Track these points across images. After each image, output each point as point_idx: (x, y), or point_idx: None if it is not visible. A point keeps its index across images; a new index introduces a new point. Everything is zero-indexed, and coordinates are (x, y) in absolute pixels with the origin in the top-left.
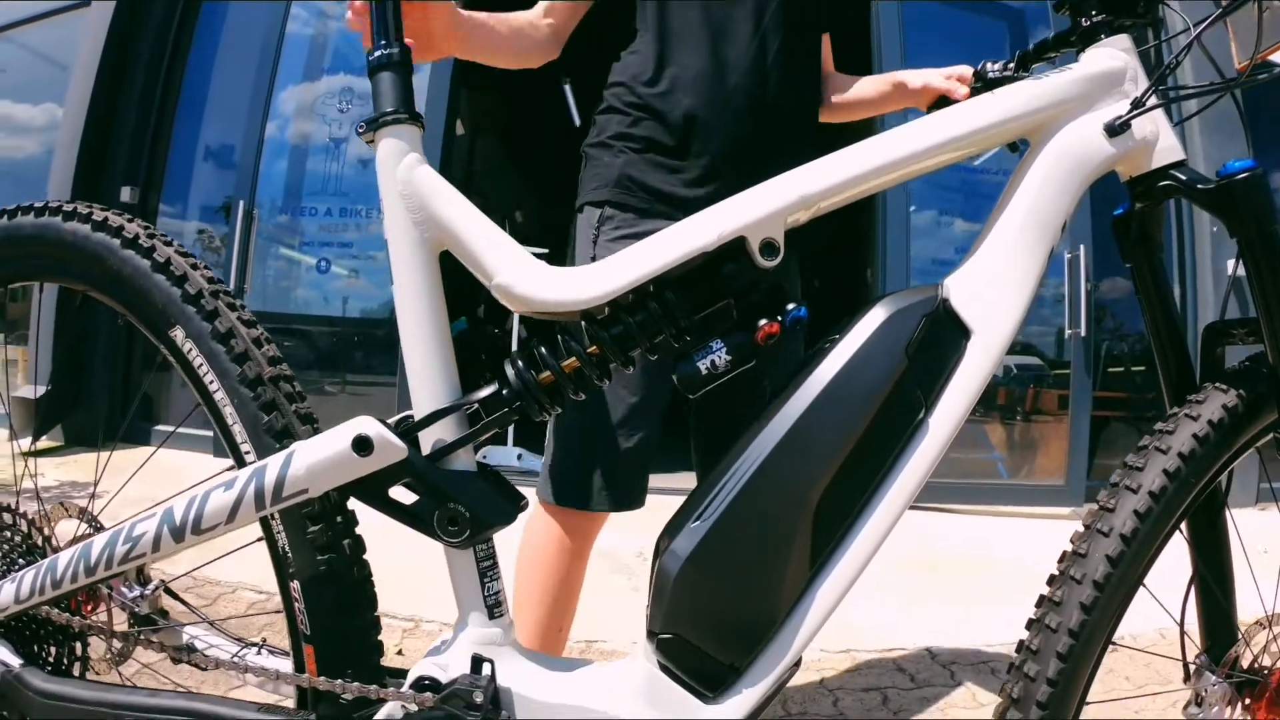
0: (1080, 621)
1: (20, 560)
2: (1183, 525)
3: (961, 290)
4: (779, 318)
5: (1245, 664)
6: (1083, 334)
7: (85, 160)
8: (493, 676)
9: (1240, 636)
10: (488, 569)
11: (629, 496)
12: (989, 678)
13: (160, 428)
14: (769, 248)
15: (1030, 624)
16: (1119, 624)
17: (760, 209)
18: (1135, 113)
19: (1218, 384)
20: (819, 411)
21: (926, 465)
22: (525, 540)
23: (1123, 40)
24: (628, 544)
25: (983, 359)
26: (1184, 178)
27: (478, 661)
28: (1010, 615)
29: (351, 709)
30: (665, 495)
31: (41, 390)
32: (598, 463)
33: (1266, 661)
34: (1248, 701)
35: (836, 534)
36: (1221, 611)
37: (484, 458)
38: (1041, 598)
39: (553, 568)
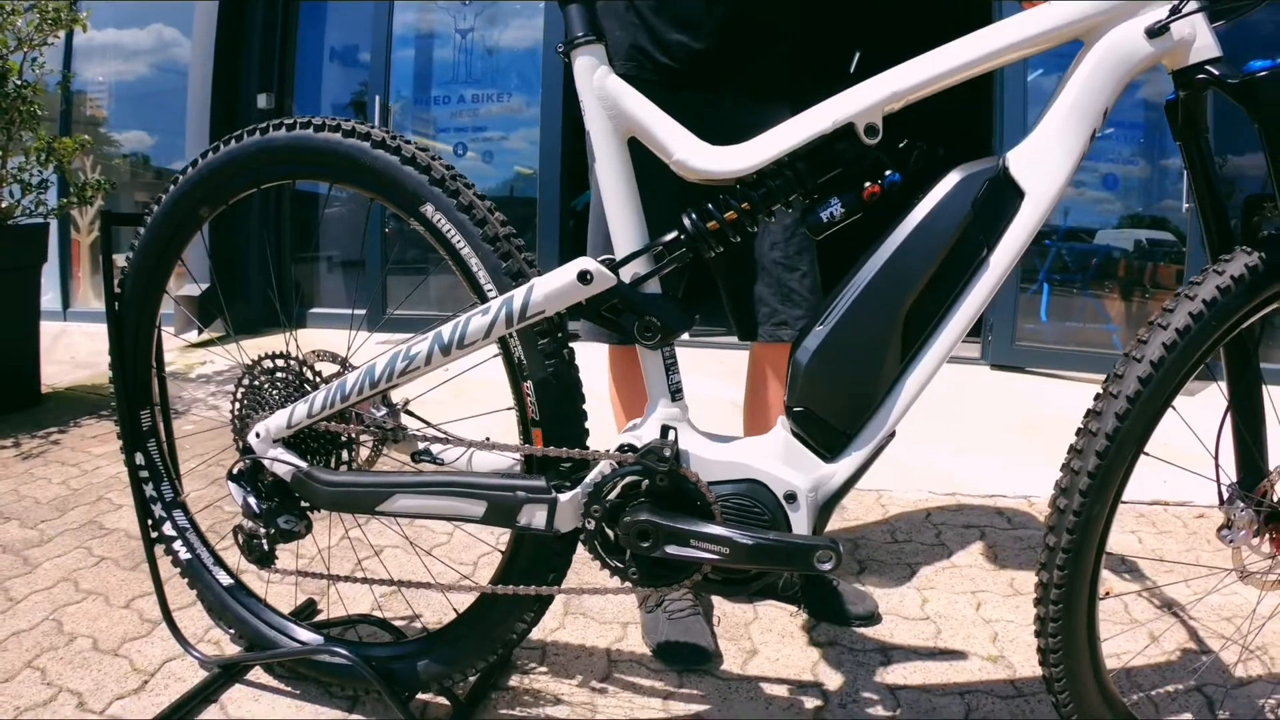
0: (1114, 428)
1: (293, 394)
2: (1221, 365)
3: (1018, 160)
4: (879, 181)
5: (1275, 499)
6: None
7: (220, 72)
8: (676, 440)
9: (1269, 472)
10: (671, 365)
11: None
12: None
13: (315, 310)
14: (871, 129)
15: (1078, 432)
16: (1148, 438)
17: (863, 102)
18: (1173, 18)
19: (1245, 247)
20: (908, 247)
21: (986, 292)
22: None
23: None
24: None
25: (1032, 213)
26: (1217, 72)
27: (665, 430)
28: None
29: (570, 471)
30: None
31: (204, 287)
32: None
33: None
34: (1275, 535)
35: (920, 337)
36: (1253, 447)
37: None
38: (1088, 411)
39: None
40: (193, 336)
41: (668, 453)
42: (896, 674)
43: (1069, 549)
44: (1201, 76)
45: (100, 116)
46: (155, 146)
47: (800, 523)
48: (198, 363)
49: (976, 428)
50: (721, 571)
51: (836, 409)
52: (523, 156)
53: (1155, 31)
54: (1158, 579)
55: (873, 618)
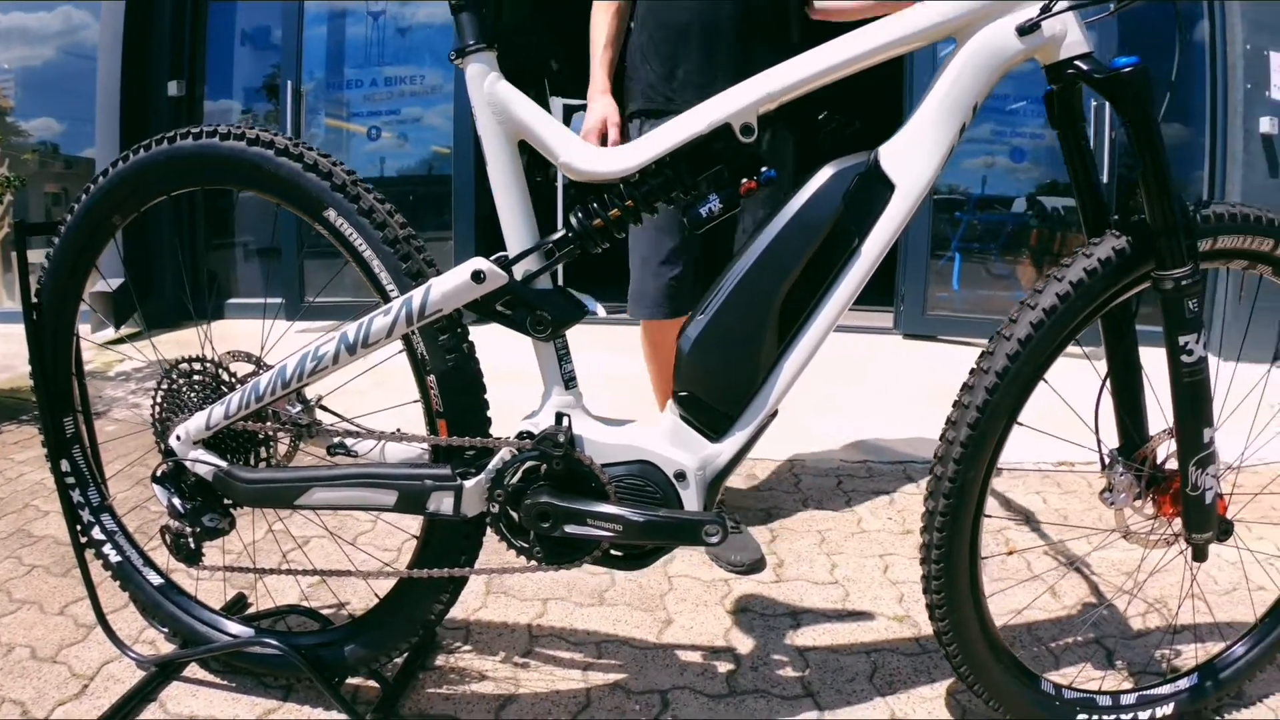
0: (984, 401)
1: (211, 395)
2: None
3: (889, 154)
4: (755, 177)
5: (1154, 463)
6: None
7: (129, 57)
8: (570, 426)
9: (1149, 438)
10: (564, 355)
11: (682, 307)
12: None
13: (233, 301)
14: (746, 129)
15: (954, 404)
16: (1021, 409)
17: (737, 103)
18: (1043, 16)
19: (1114, 230)
20: (781, 241)
21: (859, 280)
22: (643, 344)
23: None
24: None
25: (902, 204)
26: (1086, 67)
27: (559, 417)
28: (1020, 439)
29: (474, 459)
30: None
31: (117, 283)
32: (658, 287)
33: (1173, 466)
34: (1155, 497)
35: (795, 325)
36: (1132, 416)
37: None
38: (963, 385)
39: (654, 360)
40: (109, 334)
41: (562, 439)
42: (806, 636)
43: (946, 513)
44: (1071, 71)
45: (6, 106)
46: (64, 134)
47: (691, 499)
48: (115, 361)
49: (887, 396)
50: (621, 547)
51: (719, 393)
52: (440, 134)
53: (1026, 29)
54: (1061, 536)
55: (757, 565)
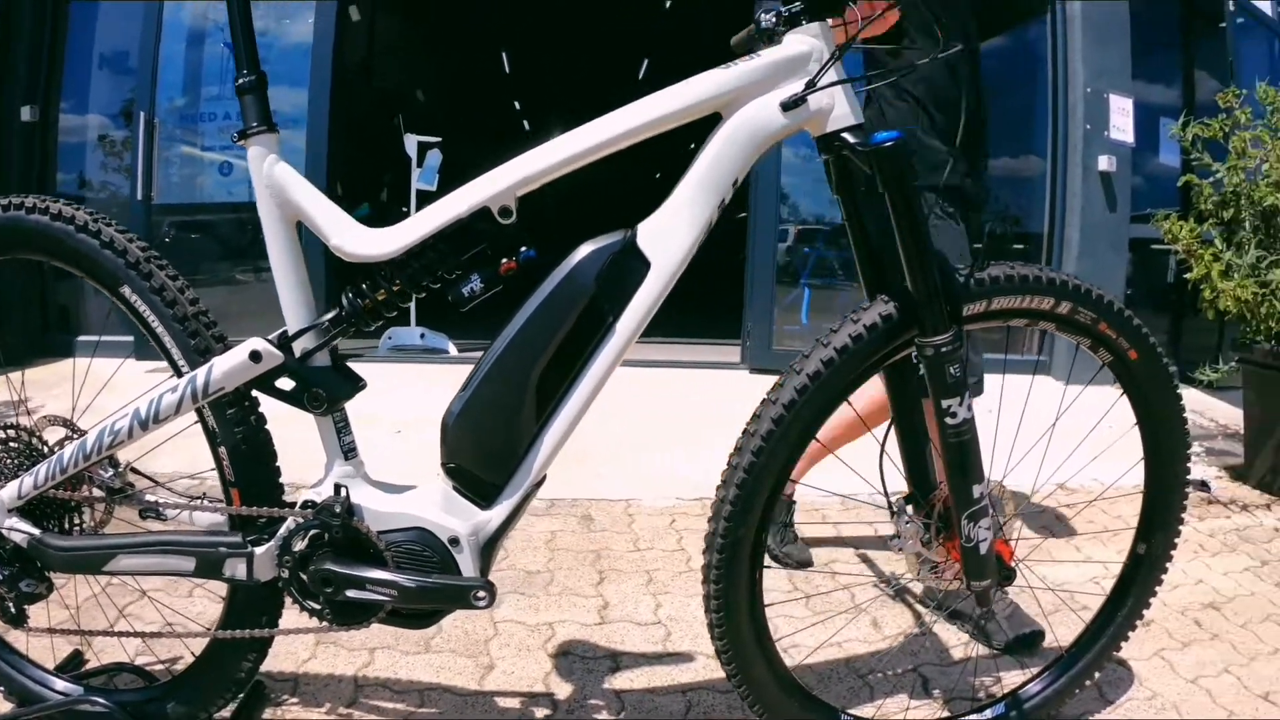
0: (750, 463)
1: (26, 463)
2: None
3: (647, 233)
4: (515, 257)
5: (942, 510)
6: None
7: None
8: (348, 497)
9: (939, 484)
10: (343, 428)
11: None
12: (822, 525)
13: (83, 338)
14: (505, 211)
15: (727, 464)
16: (789, 467)
17: (495, 187)
18: (807, 91)
19: (883, 296)
20: (533, 322)
21: (614, 356)
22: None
23: (816, 27)
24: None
25: (657, 282)
26: (852, 140)
27: (338, 488)
28: (865, 468)
29: (265, 527)
30: None
31: None
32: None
33: None
34: (944, 541)
35: (553, 400)
36: (916, 464)
37: (390, 337)
38: (735, 446)
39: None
40: None
41: (338, 509)
42: (624, 679)
43: (720, 566)
44: (838, 143)
45: None
46: None
47: (466, 563)
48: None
49: (729, 432)
50: (406, 607)
51: (483, 464)
52: (296, 158)
53: (790, 104)
54: (890, 566)
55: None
